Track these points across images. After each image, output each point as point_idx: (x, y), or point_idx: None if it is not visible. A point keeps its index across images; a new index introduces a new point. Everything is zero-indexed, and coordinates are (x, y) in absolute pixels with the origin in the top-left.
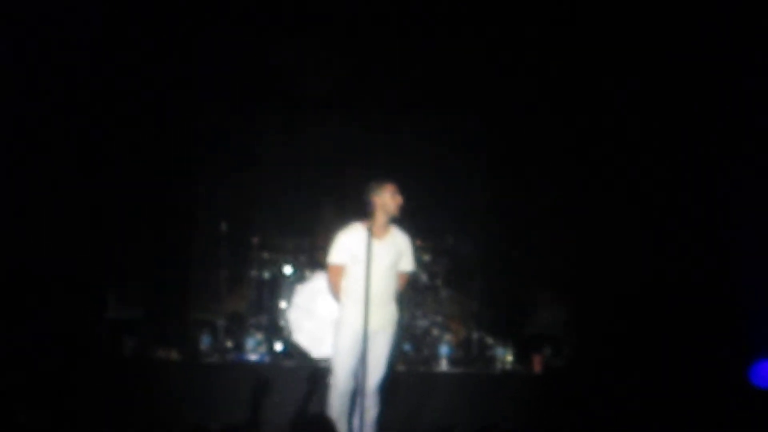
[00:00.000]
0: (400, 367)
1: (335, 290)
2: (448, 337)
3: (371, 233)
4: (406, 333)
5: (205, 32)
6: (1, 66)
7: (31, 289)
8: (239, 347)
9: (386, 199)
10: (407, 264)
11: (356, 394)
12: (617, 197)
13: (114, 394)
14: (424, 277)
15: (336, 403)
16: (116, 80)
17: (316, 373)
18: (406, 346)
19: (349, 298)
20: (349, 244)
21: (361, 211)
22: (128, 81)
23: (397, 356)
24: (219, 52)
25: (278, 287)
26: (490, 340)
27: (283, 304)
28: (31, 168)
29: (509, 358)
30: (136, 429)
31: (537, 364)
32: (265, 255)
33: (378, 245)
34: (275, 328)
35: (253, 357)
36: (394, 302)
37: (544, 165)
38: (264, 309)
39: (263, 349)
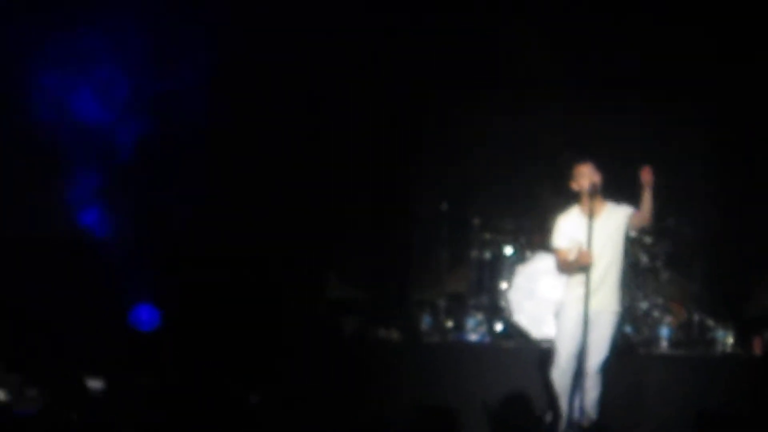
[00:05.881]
0: (622, 349)
1: (567, 271)
2: (668, 318)
3: (585, 215)
4: (627, 315)
5: (433, 15)
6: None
7: (253, 270)
8: (459, 327)
9: (581, 179)
10: (626, 209)
11: (578, 373)
12: None
13: (335, 373)
14: (644, 259)
15: (558, 382)
16: (343, 62)
17: (540, 355)
18: (627, 328)
19: (572, 280)
20: (566, 228)
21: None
22: (355, 62)
23: (619, 338)
24: (448, 35)
25: (499, 268)
26: (710, 322)
27: (503, 285)
28: (254, 147)
29: (730, 340)
30: (356, 407)
31: (758, 347)
32: (486, 235)
33: (594, 225)
34: (495, 309)
35: (473, 337)
36: (616, 283)
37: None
38: (484, 289)
39: (483, 329)
